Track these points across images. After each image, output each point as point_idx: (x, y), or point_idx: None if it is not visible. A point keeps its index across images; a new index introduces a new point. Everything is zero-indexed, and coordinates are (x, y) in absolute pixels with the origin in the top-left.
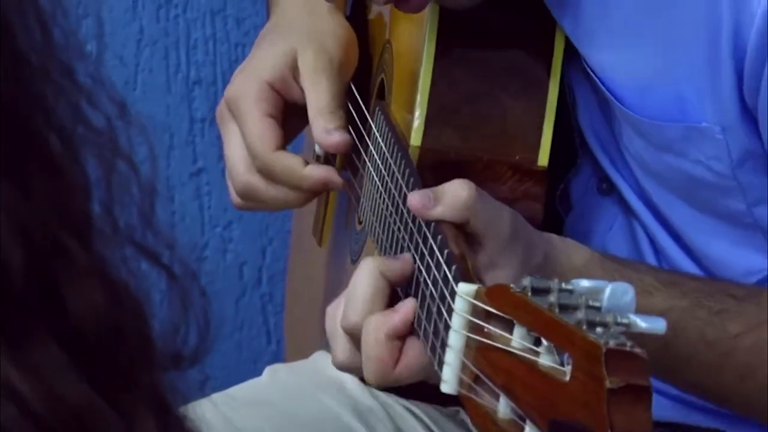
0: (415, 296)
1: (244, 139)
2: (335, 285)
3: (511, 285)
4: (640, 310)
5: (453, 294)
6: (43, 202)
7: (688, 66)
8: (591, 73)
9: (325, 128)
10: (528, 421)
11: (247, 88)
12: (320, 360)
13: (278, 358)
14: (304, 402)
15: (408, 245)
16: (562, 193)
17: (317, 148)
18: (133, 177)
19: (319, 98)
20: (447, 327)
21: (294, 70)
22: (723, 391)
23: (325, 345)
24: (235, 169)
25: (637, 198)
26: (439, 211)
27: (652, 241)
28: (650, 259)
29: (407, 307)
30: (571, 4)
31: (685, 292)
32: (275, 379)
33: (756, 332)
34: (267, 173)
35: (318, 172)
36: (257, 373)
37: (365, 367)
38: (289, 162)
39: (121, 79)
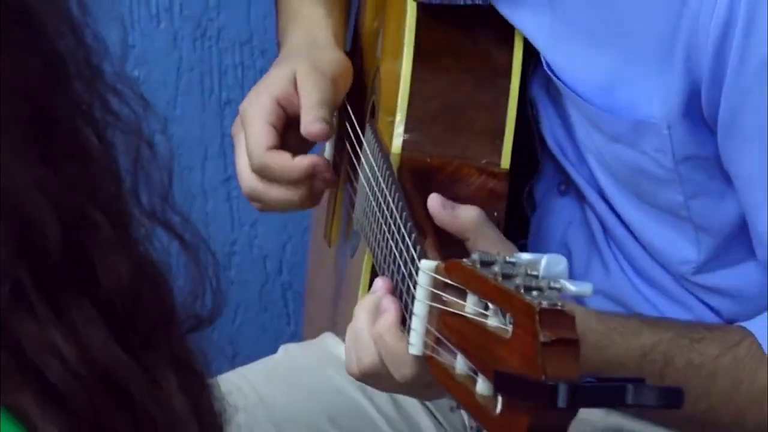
0: (392, 279)
1: (246, 144)
2: (340, 276)
3: (464, 260)
4: (630, 350)
5: (417, 270)
6: (77, 184)
7: (642, 69)
8: (554, 78)
9: (308, 119)
10: (479, 375)
11: (255, 102)
12: (327, 340)
13: (297, 337)
14: (311, 375)
15: (387, 237)
16: (527, 195)
17: (326, 154)
18: (153, 159)
19: (308, 99)
20: (413, 298)
21: (295, 86)
22: (714, 414)
23: (333, 327)
24: (240, 175)
25: (593, 192)
26: (448, 218)
27: (606, 231)
28: (603, 246)
29: (390, 303)
30: (538, 18)
31: (667, 327)
32: (288, 355)
33: (731, 352)
34: (263, 173)
35: (306, 161)
36: (277, 350)
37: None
38: (279, 157)
39: (163, 100)
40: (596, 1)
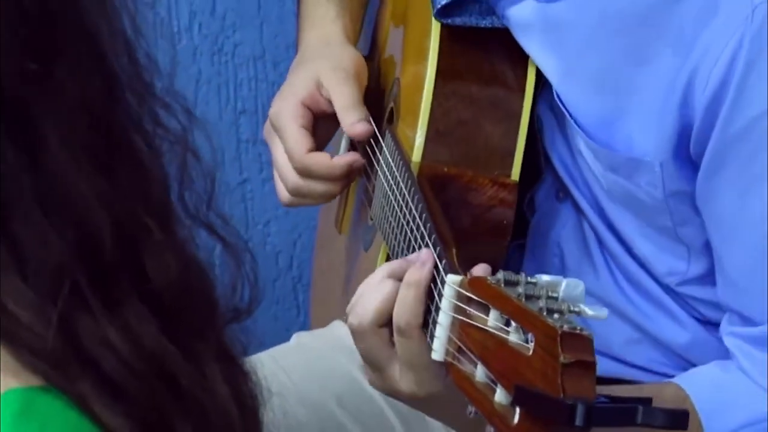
0: None
1: (286, 149)
2: (351, 268)
3: (488, 277)
4: None
5: (443, 283)
6: (130, 191)
7: (639, 113)
8: (562, 107)
9: (350, 121)
10: (499, 385)
11: (284, 107)
12: (337, 328)
13: (306, 326)
14: (321, 360)
15: (410, 241)
16: (528, 200)
17: (343, 146)
18: (198, 168)
19: (342, 99)
20: (437, 309)
21: (319, 87)
22: None
23: (343, 316)
24: (283, 172)
25: (587, 203)
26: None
27: (597, 237)
28: (595, 251)
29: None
30: (546, 54)
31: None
32: (300, 342)
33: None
34: (304, 172)
35: (344, 159)
36: (288, 339)
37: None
38: (319, 158)
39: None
40: (598, 52)
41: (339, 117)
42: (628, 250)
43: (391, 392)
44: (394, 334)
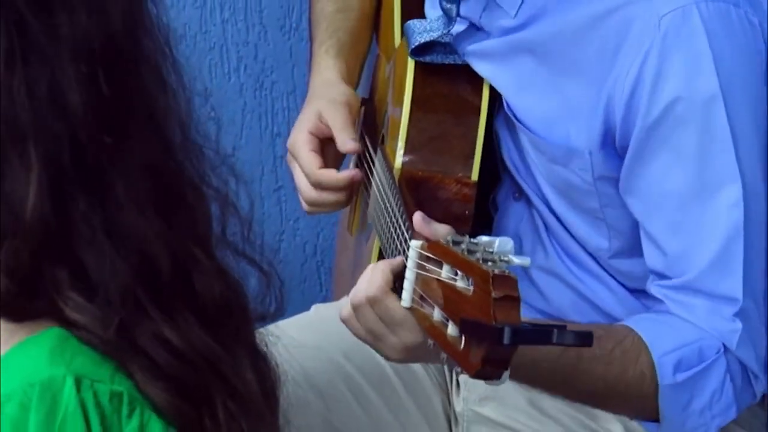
0: (392, 257)
1: (302, 169)
2: (358, 256)
3: (440, 240)
4: (551, 351)
5: (408, 247)
6: (182, 228)
7: (576, 114)
8: (511, 115)
9: (342, 141)
10: (450, 321)
11: (297, 138)
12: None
13: (327, 300)
14: (333, 324)
15: (391, 229)
16: (491, 200)
17: (351, 164)
18: (236, 212)
19: (336, 124)
20: (404, 267)
21: (320, 118)
22: (610, 392)
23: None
24: (301, 189)
25: (538, 198)
26: (426, 229)
27: (545, 225)
28: (544, 236)
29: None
30: (499, 71)
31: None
32: (317, 311)
33: (621, 345)
34: (317, 185)
35: (346, 173)
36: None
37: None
38: (328, 173)
39: (232, 133)
40: (545, 68)
41: (335, 138)
42: (568, 231)
43: (388, 353)
44: (371, 306)
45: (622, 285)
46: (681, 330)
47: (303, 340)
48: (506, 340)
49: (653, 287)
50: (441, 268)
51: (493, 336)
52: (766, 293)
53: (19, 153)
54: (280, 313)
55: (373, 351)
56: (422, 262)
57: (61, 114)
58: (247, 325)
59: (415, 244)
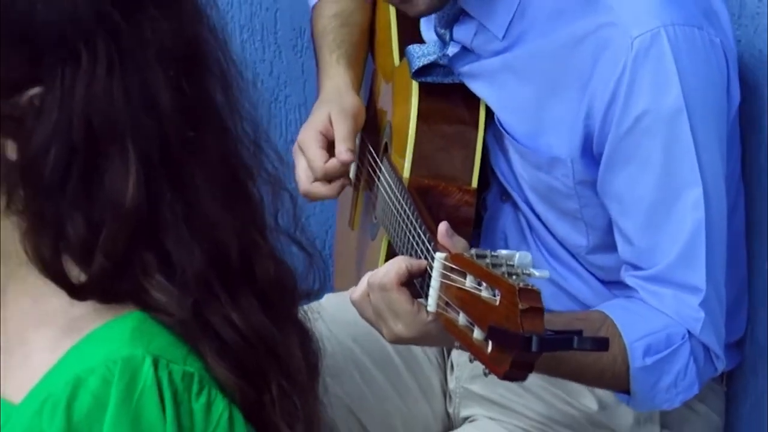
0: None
1: (308, 162)
2: (362, 252)
3: (464, 253)
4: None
5: (433, 259)
6: (246, 217)
7: (558, 127)
8: (501, 128)
9: (340, 150)
10: (476, 326)
11: (308, 135)
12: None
13: (330, 290)
14: (344, 312)
15: (407, 233)
16: (481, 201)
17: (351, 173)
18: (289, 199)
19: (340, 133)
20: (430, 276)
21: (329, 121)
22: (589, 370)
23: (355, 285)
24: (299, 180)
25: (521, 201)
26: (449, 243)
27: (529, 224)
28: (528, 234)
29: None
30: (488, 90)
31: (562, 315)
32: (329, 300)
33: (599, 330)
34: (324, 176)
35: (341, 160)
36: (321, 298)
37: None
38: (332, 162)
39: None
40: (528, 87)
41: (335, 145)
42: (549, 231)
43: (386, 335)
44: (380, 291)
45: (597, 278)
46: (650, 318)
47: (316, 326)
48: (534, 347)
49: (627, 277)
50: (464, 278)
51: (522, 344)
52: (725, 281)
53: (119, 150)
54: (323, 291)
55: (379, 335)
56: (446, 272)
57: (153, 114)
58: (296, 304)
59: (440, 255)
